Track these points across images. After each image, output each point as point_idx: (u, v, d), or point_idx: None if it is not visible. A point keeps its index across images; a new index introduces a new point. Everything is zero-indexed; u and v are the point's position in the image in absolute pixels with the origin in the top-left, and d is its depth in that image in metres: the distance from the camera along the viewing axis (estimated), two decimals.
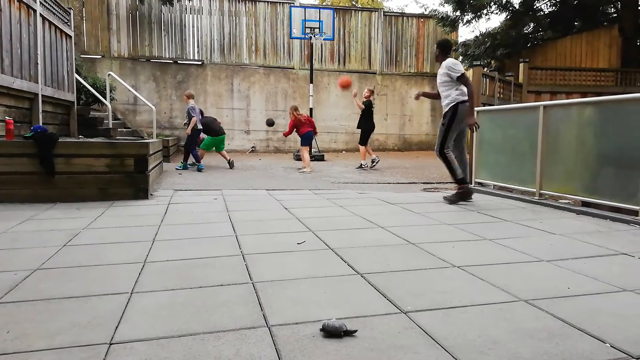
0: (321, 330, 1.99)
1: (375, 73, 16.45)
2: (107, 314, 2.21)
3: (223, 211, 5.08)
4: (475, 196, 6.44)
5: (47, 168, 5.55)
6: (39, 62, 7.42)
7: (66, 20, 9.09)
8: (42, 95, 7.55)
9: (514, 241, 3.73)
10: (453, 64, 5.47)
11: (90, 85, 10.69)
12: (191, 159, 9.85)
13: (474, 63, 14.00)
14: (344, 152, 15.92)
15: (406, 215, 4.89)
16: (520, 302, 2.38)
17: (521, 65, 13.08)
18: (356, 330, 2.00)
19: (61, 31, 8.72)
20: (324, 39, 12.54)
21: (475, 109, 6.89)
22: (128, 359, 1.77)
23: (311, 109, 12.76)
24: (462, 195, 5.35)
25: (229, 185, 7.44)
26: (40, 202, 5.47)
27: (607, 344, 1.91)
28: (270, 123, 10.69)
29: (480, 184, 6.99)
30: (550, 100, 7.02)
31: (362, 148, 10.54)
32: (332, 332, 1.96)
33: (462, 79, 5.37)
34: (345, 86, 10.67)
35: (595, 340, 1.95)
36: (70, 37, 9.29)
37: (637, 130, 4.46)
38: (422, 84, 16.83)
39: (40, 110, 7.49)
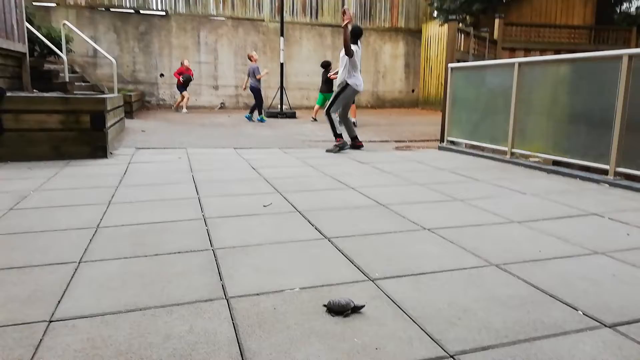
0: (326, 309, 1.82)
1: None
2: (50, 287, 2.02)
3: (186, 171, 4.84)
4: (446, 155, 6.38)
5: None
6: None
7: None
8: None
9: (484, 201, 3.66)
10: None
11: (44, 35, 9.92)
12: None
13: (450, 17, 13.68)
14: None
15: (377, 175, 4.77)
16: (492, 267, 2.30)
17: (497, 20, 12.84)
18: (363, 306, 1.82)
19: None
20: None
21: (450, 65, 6.73)
22: (67, 339, 1.60)
23: (282, 64, 12.31)
24: (340, 147, 6.61)
25: (195, 143, 7.14)
26: None
27: (580, 311, 1.85)
28: None
29: (452, 142, 6.91)
30: (525, 57, 6.86)
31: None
32: (337, 311, 1.79)
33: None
34: None
35: (568, 308, 1.88)
36: None
37: (609, 89, 4.39)
38: (397, 40, 16.46)
39: None
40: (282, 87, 12.27)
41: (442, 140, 7.09)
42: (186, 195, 3.78)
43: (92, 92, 9.81)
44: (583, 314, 1.83)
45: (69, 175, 4.56)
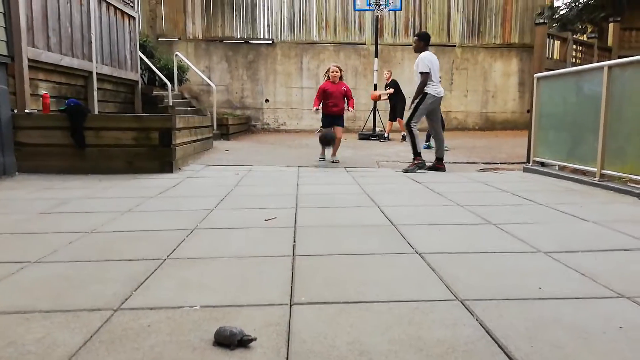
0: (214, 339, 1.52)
1: (455, 46, 15.19)
2: None
3: (230, 186, 4.84)
4: (527, 177, 5.57)
5: (78, 140, 5.72)
6: (92, 41, 7.74)
7: (128, 2, 9.42)
8: (97, 73, 7.88)
9: (523, 227, 3.01)
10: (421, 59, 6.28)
11: (161, 67, 11.12)
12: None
13: (568, 28, 12.21)
14: None
15: (420, 194, 4.28)
16: (453, 303, 1.80)
17: (611, 25, 11.06)
18: (254, 339, 1.50)
19: (122, 12, 9.04)
20: (389, 10, 11.75)
21: (536, 75, 5.93)
22: None
23: (375, 85, 12.12)
24: (418, 166, 6.15)
25: (266, 161, 7.22)
26: (74, 173, 5.63)
27: None
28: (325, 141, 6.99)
29: (541, 163, 6.00)
30: None
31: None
32: (222, 343, 1.49)
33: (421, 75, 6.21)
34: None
35: None
36: (134, 18, 9.62)
37: None
38: (509, 56, 15.25)
39: (95, 88, 7.83)
40: (375, 109, 12.05)
41: (527, 161, 6.21)
42: (202, 207, 3.73)
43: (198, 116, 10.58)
44: None
45: (123, 186, 4.84)
